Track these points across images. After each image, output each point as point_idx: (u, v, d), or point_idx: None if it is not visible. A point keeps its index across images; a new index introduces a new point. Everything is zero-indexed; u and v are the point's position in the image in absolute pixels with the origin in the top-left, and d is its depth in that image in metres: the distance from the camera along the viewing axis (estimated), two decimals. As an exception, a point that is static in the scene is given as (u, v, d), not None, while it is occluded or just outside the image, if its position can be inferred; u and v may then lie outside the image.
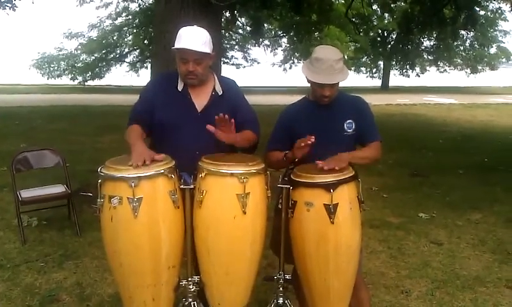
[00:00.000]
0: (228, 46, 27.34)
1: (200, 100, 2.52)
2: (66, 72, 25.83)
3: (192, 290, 2.33)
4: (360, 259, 2.44)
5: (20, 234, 4.36)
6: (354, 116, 2.55)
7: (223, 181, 2.13)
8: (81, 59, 26.15)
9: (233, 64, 29.45)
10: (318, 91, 2.47)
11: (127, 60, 27.29)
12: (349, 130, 2.54)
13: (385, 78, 34.83)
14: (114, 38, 25.67)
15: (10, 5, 9.86)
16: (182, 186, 2.19)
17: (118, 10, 24.37)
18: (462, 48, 33.31)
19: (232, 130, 2.36)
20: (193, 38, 2.37)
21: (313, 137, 2.28)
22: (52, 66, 25.76)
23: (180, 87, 2.52)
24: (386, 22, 27.60)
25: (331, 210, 2.14)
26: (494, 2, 21.70)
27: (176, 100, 2.51)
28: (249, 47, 28.84)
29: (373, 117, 2.65)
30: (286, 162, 2.50)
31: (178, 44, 2.38)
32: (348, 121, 2.54)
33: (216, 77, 2.61)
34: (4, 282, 3.61)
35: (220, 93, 2.56)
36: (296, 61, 30.33)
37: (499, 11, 26.35)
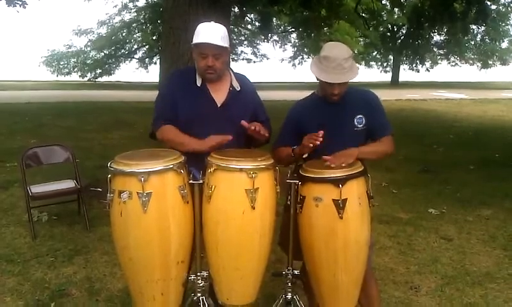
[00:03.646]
0: (237, 41, 27.35)
1: (219, 95, 2.54)
2: (76, 69, 25.98)
3: (201, 285, 2.33)
4: (369, 255, 2.42)
5: (31, 229, 4.39)
6: (365, 110, 2.52)
7: (231, 177, 2.12)
8: (91, 55, 26.28)
9: (243, 59, 29.49)
10: (327, 89, 2.45)
11: (136, 56, 27.41)
12: (359, 126, 2.51)
13: (395, 73, 34.68)
14: (123, 34, 25.77)
15: (20, 2, 9.89)
16: (191, 181, 2.19)
17: (125, 2, 24.48)
18: (473, 42, 33.05)
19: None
20: (212, 32, 2.39)
21: (321, 132, 2.27)
22: (61, 63, 25.91)
23: (198, 83, 2.53)
24: (396, 16, 27.43)
25: (340, 205, 2.12)
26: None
27: (195, 95, 2.53)
28: (258, 42, 28.84)
29: (384, 111, 2.62)
30: (294, 158, 2.49)
31: (197, 39, 2.40)
32: (358, 116, 2.51)
33: (231, 73, 2.64)
34: (15, 276, 3.64)
35: (238, 88, 2.58)
36: (305, 56, 30.31)
37: (511, 5, 26.04)
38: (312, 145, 2.30)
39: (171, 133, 2.50)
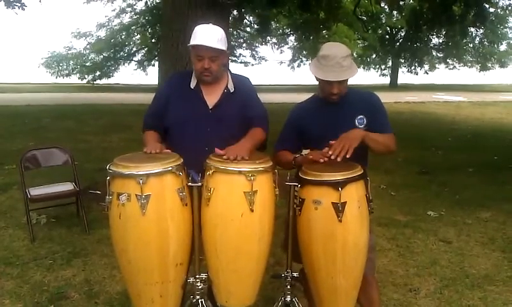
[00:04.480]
0: (236, 44, 27.36)
1: (212, 98, 2.53)
2: (75, 71, 26.00)
3: (200, 287, 2.33)
4: (372, 259, 2.42)
5: (29, 231, 4.39)
6: (366, 111, 2.51)
7: (230, 179, 2.12)
8: (90, 58, 26.31)
9: (241, 62, 29.51)
10: (326, 89, 2.44)
11: (135, 59, 27.42)
12: (360, 126, 2.49)
13: (394, 76, 34.72)
14: (122, 37, 25.80)
15: (19, 4, 9.87)
16: (189, 183, 2.19)
17: (123, 6, 24.53)
18: (471, 45, 33.11)
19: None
20: (209, 35, 2.38)
21: (329, 153, 2.25)
22: (61, 65, 25.94)
23: (192, 85, 2.53)
24: (394, 19, 27.46)
25: (339, 208, 2.12)
26: (504, -2, 21.49)
27: (188, 97, 2.53)
28: (257, 45, 28.85)
29: (385, 112, 2.60)
30: (295, 166, 2.48)
31: (194, 41, 2.39)
32: (359, 117, 2.49)
33: (229, 75, 2.62)
34: (13, 279, 3.63)
35: (232, 90, 2.57)
36: (303, 59, 30.32)
37: (509, 8, 26.06)
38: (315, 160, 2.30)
39: (145, 137, 2.54)
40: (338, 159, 2.20)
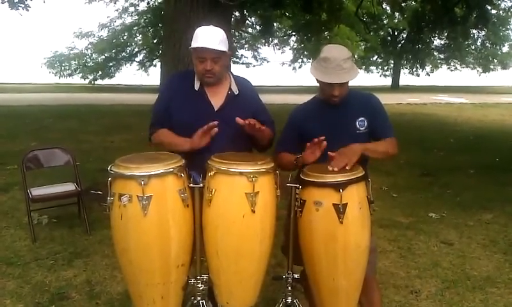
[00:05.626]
0: (238, 45, 27.40)
1: (217, 99, 2.53)
2: (77, 71, 26.08)
3: (201, 288, 2.33)
4: (372, 261, 2.41)
5: (31, 232, 4.40)
6: (367, 113, 2.50)
7: (232, 180, 2.11)
8: (92, 58, 26.39)
9: (243, 63, 29.53)
10: (327, 91, 2.44)
11: (136, 59, 27.49)
12: (361, 128, 2.49)
13: (395, 77, 34.73)
14: (124, 37, 25.88)
15: (23, 5, 9.91)
16: (191, 185, 2.19)
17: (126, 5, 24.63)
18: (473, 47, 33.13)
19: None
20: (210, 36, 2.38)
21: (323, 138, 2.26)
22: (63, 65, 26.03)
23: (196, 87, 2.53)
24: (396, 21, 27.49)
25: (340, 209, 2.12)
26: (506, 0, 21.53)
27: (193, 99, 2.53)
28: (258, 46, 28.88)
29: (386, 114, 2.60)
30: (296, 166, 2.47)
31: (196, 43, 2.39)
32: (360, 119, 2.49)
33: (231, 76, 2.63)
34: (15, 279, 3.64)
35: (236, 92, 2.57)
36: (305, 60, 30.35)
37: (511, 10, 26.08)
38: (313, 149, 2.30)
39: (164, 136, 2.52)
40: (336, 169, 2.19)
